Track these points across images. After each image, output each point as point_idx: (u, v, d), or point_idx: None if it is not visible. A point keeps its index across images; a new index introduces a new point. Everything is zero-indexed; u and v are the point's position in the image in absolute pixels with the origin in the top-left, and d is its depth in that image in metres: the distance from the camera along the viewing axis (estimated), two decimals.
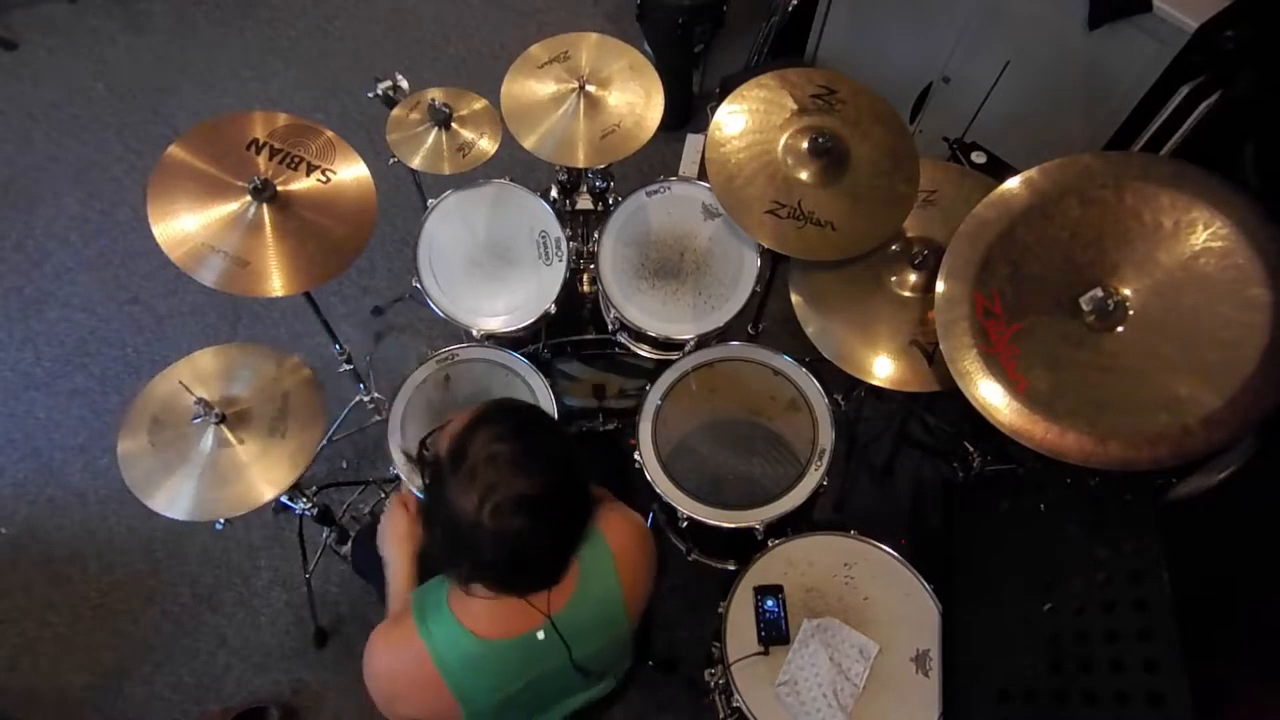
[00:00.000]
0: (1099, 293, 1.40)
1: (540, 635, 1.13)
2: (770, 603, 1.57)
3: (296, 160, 1.62)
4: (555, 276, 1.87)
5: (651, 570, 1.28)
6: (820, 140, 1.64)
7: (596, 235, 1.89)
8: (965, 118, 2.09)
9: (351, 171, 1.65)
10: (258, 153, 1.60)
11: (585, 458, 1.13)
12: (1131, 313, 1.41)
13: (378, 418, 2.31)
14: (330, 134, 1.66)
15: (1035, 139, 2.07)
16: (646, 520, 1.92)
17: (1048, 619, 1.43)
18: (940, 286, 1.55)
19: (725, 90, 1.90)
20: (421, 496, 1.58)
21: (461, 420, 1.08)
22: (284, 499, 1.66)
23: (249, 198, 1.54)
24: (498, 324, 1.85)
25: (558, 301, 1.85)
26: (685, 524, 1.72)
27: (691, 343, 1.83)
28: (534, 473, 1.02)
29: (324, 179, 1.62)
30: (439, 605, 1.13)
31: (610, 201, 1.99)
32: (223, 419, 1.50)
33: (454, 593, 1.13)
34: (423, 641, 1.12)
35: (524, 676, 1.17)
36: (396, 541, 1.35)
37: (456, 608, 1.12)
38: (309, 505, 1.77)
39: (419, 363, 1.82)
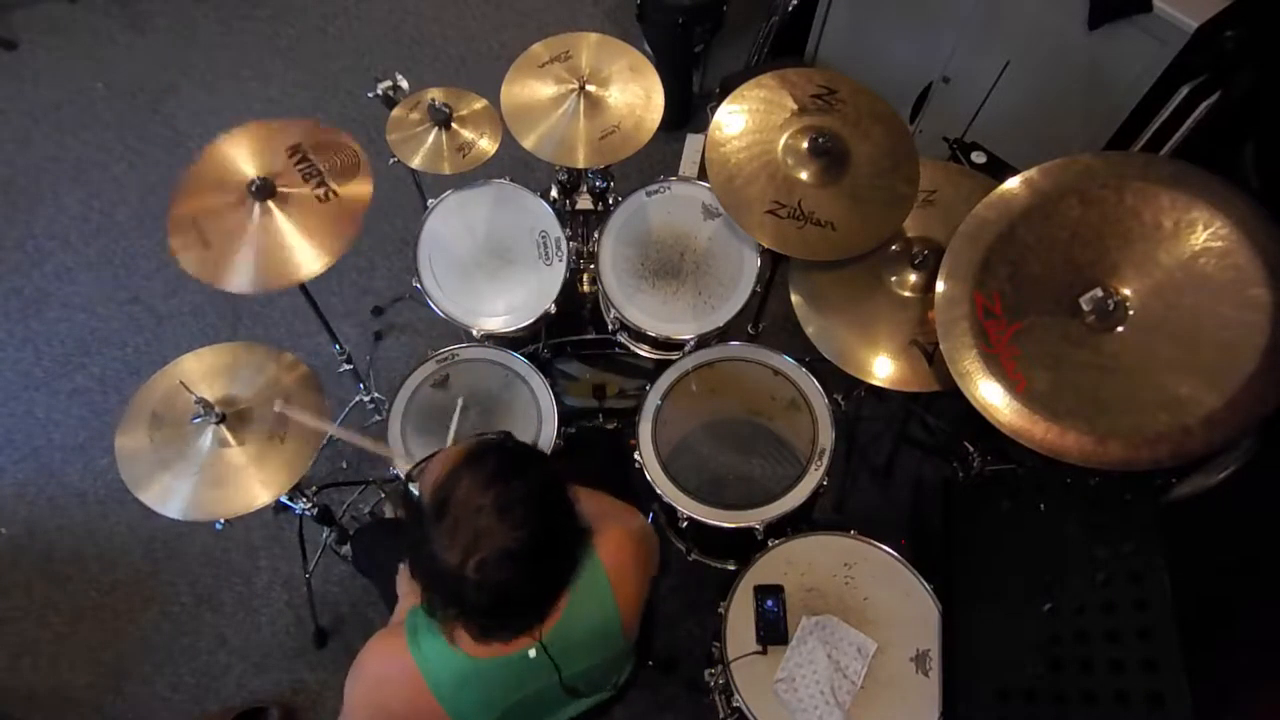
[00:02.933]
0: (1099, 293, 1.40)
1: (532, 654, 1.12)
2: (770, 602, 1.57)
3: (312, 173, 1.62)
4: (555, 276, 1.87)
5: (649, 579, 1.27)
6: (820, 140, 1.64)
7: (596, 235, 1.89)
8: (965, 118, 2.09)
9: (355, 188, 1.65)
10: (292, 157, 1.62)
11: (571, 499, 1.10)
12: (1131, 313, 1.41)
13: (378, 418, 2.30)
14: (359, 151, 1.67)
15: (1035, 139, 2.07)
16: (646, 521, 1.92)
17: (1048, 619, 1.43)
18: (940, 286, 1.55)
19: (725, 90, 1.90)
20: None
21: (444, 464, 1.06)
22: (284, 499, 1.65)
23: (249, 198, 1.55)
24: (498, 324, 1.85)
25: (558, 301, 1.85)
26: (685, 524, 1.72)
27: (691, 343, 1.83)
28: (518, 524, 0.99)
29: (323, 196, 1.61)
30: (431, 623, 1.12)
31: (610, 201, 1.99)
32: (222, 419, 1.50)
33: None
34: (414, 659, 1.11)
35: (516, 694, 1.16)
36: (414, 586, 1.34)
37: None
38: (309, 505, 1.77)
39: (419, 363, 1.82)
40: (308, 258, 1.57)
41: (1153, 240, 1.41)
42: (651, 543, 1.29)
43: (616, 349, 1.99)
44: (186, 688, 2.12)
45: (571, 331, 2.07)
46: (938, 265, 1.57)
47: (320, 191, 1.61)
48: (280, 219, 1.58)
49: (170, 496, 1.47)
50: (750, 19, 2.94)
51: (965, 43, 2.32)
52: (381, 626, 1.26)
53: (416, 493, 1.10)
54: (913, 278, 1.71)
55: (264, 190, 1.55)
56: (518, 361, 1.83)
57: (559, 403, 1.79)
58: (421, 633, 1.13)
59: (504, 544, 0.99)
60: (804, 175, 1.68)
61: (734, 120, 1.73)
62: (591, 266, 1.91)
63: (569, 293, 1.90)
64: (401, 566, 1.36)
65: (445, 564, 1.00)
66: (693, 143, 2.78)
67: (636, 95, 1.83)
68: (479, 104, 1.90)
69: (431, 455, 1.14)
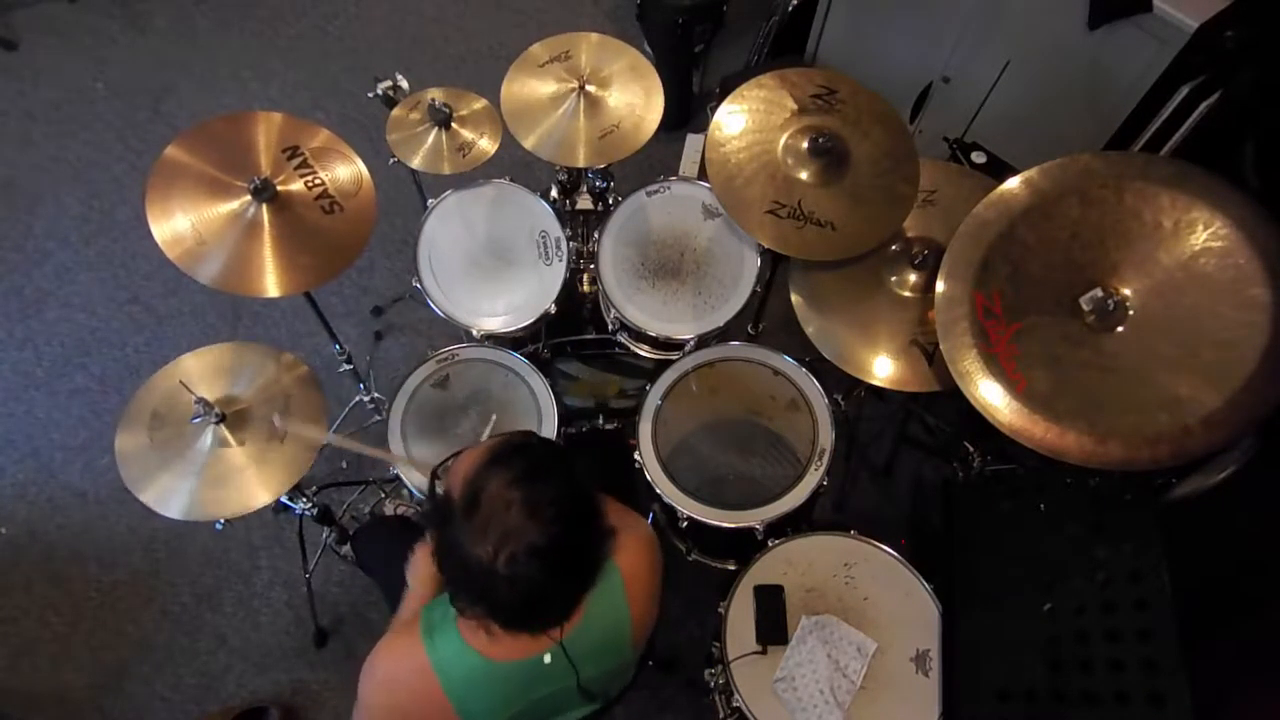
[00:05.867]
0: (1099, 293, 1.40)
1: (547, 659, 1.13)
2: (770, 603, 1.56)
3: (315, 183, 1.62)
4: (555, 276, 1.87)
5: (660, 591, 1.28)
6: (820, 140, 1.64)
7: (596, 235, 1.89)
8: (965, 118, 2.09)
9: (358, 205, 1.65)
10: (291, 158, 1.61)
11: (597, 500, 1.12)
12: (1131, 313, 1.41)
13: (378, 418, 2.30)
14: (363, 171, 1.66)
15: (1035, 139, 2.07)
16: (646, 521, 1.92)
17: (1048, 619, 1.43)
18: (940, 286, 1.55)
19: (725, 90, 1.90)
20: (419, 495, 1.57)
21: (474, 460, 1.07)
22: (284, 499, 1.65)
23: (249, 197, 1.54)
24: (498, 324, 1.85)
25: (558, 301, 1.85)
26: (685, 524, 1.72)
27: (691, 343, 1.83)
28: (548, 521, 1.01)
29: (328, 209, 1.61)
30: (446, 622, 1.13)
31: (610, 201, 1.99)
32: (222, 419, 1.50)
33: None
34: (428, 657, 1.11)
35: (528, 697, 1.16)
36: (423, 581, 1.34)
37: (464, 627, 1.12)
38: (309, 505, 1.77)
39: (419, 363, 1.82)
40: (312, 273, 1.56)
41: (1153, 240, 1.41)
42: (660, 552, 1.30)
43: (616, 349, 1.99)
44: (186, 688, 2.12)
45: (571, 331, 2.07)
46: (938, 265, 1.57)
47: (325, 203, 1.61)
48: (283, 225, 1.57)
49: (170, 496, 1.47)
50: (750, 19, 2.93)
51: (965, 43, 2.32)
52: (382, 626, 1.26)
53: (441, 490, 1.11)
54: (913, 278, 1.71)
55: (264, 191, 1.55)
56: (518, 361, 1.83)
57: (559, 403, 1.79)
58: (437, 631, 1.13)
59: (534, 540, 1.00)
60: (804, 175, 1.68)
61: (734, 120, 1.73)
62: (591, 266, 1.91)
63: (569, 293, 1.90)
64: (413, 557, 1.37)
65: (476, 559, 1.01)
66: (693, 143, 2.77)
67: (636, 95, 1.83)
68: (479, 104, 1.90)
69: (456, 453, 1.15)
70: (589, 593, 1.13)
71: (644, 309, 1.84)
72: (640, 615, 1.21)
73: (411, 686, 1.13)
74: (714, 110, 1.77)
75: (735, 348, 1.86)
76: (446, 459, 1.18)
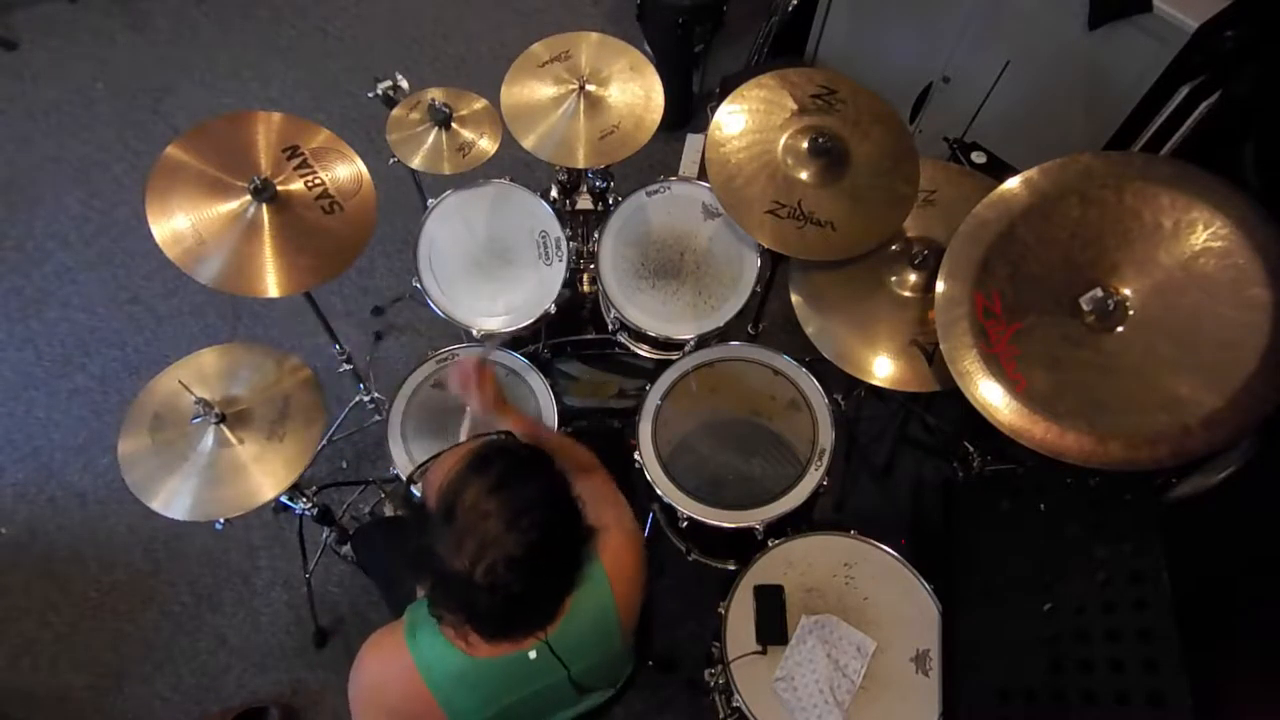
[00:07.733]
0: (1099, 293, 1.40)
1: (532, 655, 1.12)
2: (770, 603, 1.56)
3: (315, 183, 1.61)
4: (555, 276, 1.87)
5: (644, 577, 1.27)
6: (820, 140, 1.64)
7: (596, 235, 1.89)
8: (965, 118, 2.09)
9: (358, 205, 1.64)
10: (291, 158, 1.60)
11: (575, 504, 1.10)
12: (1131, 313, 1.41)
13: (378, 418, 2.30)
14: (363, 171, 1.66)
15: (1035, 139, 2.07)
16: (646, 521, 1.93)
17: (1048, 619, 1.43)
18: (940, 286, 1.55)
19: (725, 90, 1.90)
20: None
21: (451, 466, 1.06)
22: (284, 499, 1.66)
23: (249, 197, 1.54)
24: (498, 324, 1.85)
25: (558, 301, 1.85)
26: (685, 524, 1.72)
27: (691, 343, 1.83)
28: (525, 529, 1.00)
29: (328, 209, 1.61)
30: (430, 620, 1.12)
31: (610, 201, 1.99)
32: (223, 419, 1.50)
33: None
34: (411, 656, 1.11)
35: (515, 693, 1.16)
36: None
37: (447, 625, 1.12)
38: (309, 505, 1.77)
39: (419, 363, 1.82)
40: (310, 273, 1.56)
41: (1153, 240, 1.41)
42: (641, 538, 1.30)
43: (616, 349, 1.99)
44: (186, 688, 2.12)
45: (571, 331, 2.07)
46: (938, 265, 1.57)
47: (325, 203, 1.61)
48: (283, 225, 1.57)
49: (173, 498, 1.47)
50: (750, 19, 2.94)
51: (965, 43, 2.32)
52: (381, 626, 1.26)
53: (419, 495, 1.10)
54: (913, 278, 1.71)
55: (264, 191, 1.54)
56: (518, 361, 1.83)
57: (559, 403, 1.79)
58: (420, 629, 1.13)
59: (511, 550, 0.99)
60: (804, 175, 1.68)
61: (734, 120, 1.73)
62: (591, 266, 1.91)
63: (569, 292, 1.90)
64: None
65: (453, 569, 1.00)
66: (693, 143, 2.78)
67: (636, 95, 1.83)
68: (479, 104, 1.91)
69: (434, 456, 1.14)
70: (573, 593, 1.12)
71: (644, 309, 1.84)
72: (627, 606, 1.21)
73: (397, 685, 1.13)
74: (714, 110, 1.77)
75: (735, 348, 1.86)
76: (424, 462, 1.16)
